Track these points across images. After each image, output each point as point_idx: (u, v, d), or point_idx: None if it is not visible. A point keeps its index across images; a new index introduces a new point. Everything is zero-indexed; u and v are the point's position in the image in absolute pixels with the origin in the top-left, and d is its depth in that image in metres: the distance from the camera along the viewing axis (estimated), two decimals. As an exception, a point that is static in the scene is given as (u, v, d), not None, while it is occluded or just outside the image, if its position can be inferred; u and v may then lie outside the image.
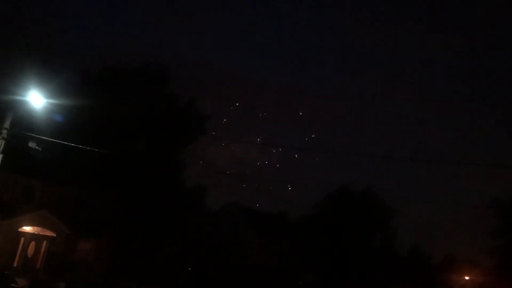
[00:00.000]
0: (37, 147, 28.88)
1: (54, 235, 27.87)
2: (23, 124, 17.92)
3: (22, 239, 26.52)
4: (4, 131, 16.45)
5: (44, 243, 27.69)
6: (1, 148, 16.34)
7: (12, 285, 20.12)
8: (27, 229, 26.68)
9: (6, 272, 21.16)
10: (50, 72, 28.67)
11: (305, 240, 48.32)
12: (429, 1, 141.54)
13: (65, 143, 21.08)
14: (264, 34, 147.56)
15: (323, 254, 47.15)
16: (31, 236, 26.93)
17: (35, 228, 27.02)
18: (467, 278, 54.94)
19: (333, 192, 50.07)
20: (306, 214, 52.05)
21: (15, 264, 25.94)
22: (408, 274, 53.63)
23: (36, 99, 16.72)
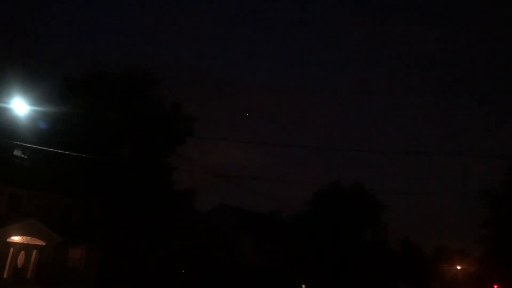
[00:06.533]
0: (22, 155, 28.49)
1: (44, 243, 27.52)
2: (7, 132, 17.67)
3: (11, 249, 26.14)
4: (-12, 140, 16.27)
5: (34, 252, 27.33)
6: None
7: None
8: (16, 239, 26.31)
9: (-4, 284, 20.91)
10: (34, 79, 28.33)
11: (297, 238, 48.50)
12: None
13: (51, 149, 20.88)
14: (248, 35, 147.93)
15: (316, 251, 47.34)
16: (20, 246, 26.56)
17: (24, 237, 26.66)
18: (458, 267, 55.87)
19: (323, 189, 50.36)
20: (297, 212, 52.35)
21: (5, 275, 25.56)
22: (401, 267, 54.23)
23: (19, 106, 16.54)
